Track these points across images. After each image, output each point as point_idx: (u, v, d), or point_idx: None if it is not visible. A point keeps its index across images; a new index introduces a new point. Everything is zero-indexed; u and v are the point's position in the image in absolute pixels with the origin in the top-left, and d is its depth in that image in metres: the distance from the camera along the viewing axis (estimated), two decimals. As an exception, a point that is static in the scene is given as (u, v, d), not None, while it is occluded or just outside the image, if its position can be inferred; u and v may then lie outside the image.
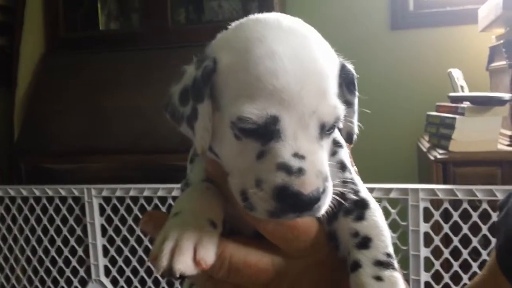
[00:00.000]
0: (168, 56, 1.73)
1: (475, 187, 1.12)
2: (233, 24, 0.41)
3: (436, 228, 1.18)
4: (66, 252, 1.48)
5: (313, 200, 0.35)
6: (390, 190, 1.17)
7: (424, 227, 1.16)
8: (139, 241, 1.40)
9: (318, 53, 0.38)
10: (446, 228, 1.17)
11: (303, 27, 0.40)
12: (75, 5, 2.03)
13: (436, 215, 1.16)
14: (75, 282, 1.50)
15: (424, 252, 1.16)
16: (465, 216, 1.15)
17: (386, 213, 1.17)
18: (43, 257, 1.51)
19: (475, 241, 1.14)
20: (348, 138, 0.43)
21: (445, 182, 1.29)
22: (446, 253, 1.17)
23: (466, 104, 1.37)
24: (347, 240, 0.41)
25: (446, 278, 1.17)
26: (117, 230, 1.42)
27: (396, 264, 0.40)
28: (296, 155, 0.35)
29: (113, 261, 1.44)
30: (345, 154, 0.44)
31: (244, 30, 0.39)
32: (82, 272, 1.48)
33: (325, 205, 0.37)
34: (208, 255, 0.37)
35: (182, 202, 0.41)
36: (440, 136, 1.42)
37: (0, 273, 1.58)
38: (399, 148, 1.87)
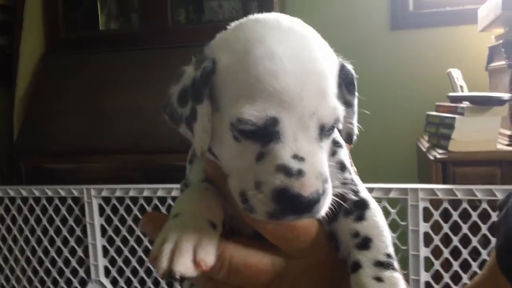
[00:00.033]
0: (168, 56, 1.72)
1: (475, 187, 1.12)
2: (232, 24, 0.41)
3: (436, 228, 1.18)
4: (65, 252, 1.48)
5: (313, 202, 0.35)
6: (389, 190, 1.17)
7: (423, 227, 1.16)
8: (138, 241, 1.40)
9: (318, 53, 0.38)
10: (445, 228, 1.17)
11: (303, 27, 0.39)
12: (75, 5, 2.03)
13: (436, 215, 1.16)
14: (75, 282, 1.50)
15: (424, 252, 1.16)
16: (465, 215, 1.15)
17: (386, 213, 1.17)
18: (43, 257, 1.51)
19: (475, 241, 1.14)
20: (348, 138, 0.43)
21: (444, 182, 1.29)
22: (446, 253, 1.17)
23: (465, 104, 1.37)
24: (348, 241, 0.41)
25: (446, 278, 1.18)
26: (117, 230, 1.42)
27: (396, 265, 0.40)
28: (296, 156, 0.35)
29: (112, 262, 1.44)
30: (344, 154, 0.43)
31: (243, 31, 0.39)
32: (81, 273, 1.48)
33: (324, 207, 0.37)
34: (208, 256, 0.37)
35: (182, 203, 0.41)
36: (439, 136, 1.42)
37: (0, 274, 1.58)
38: (399, 148, 1.87)
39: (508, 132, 1.40)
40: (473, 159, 1.30)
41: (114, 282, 1.46)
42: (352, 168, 0.44)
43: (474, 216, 1.13)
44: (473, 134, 1.31)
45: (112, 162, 1.64)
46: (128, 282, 1.45)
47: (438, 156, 1.32)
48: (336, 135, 0.43)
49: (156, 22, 1.84)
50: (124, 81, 1.75)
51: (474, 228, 1.14)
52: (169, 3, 1.84)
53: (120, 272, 1.45)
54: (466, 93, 1.58)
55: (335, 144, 0.43)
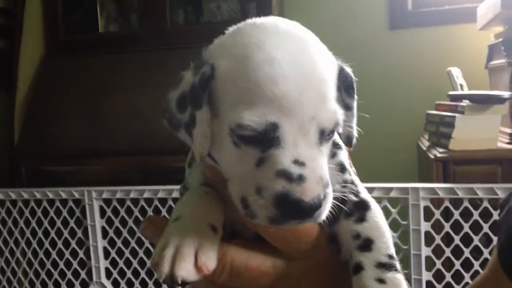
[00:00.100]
0: (167, 57, 1.73)
1: (476, 186, 1.12)
2: (230, 29, 0.41)
3: (437, 227, 1.18)
4: (67, 254, 1.48)
5: (314, 207, 0.35)
6: (390, 189, 1.17)
7: (425, 226, 1.15)
8: (140, 243, 1.40)
9: (317, 57, 0.38)
10: (447, 227, 1.17)
11: (301, 31, 0.39)
12: (74, 7, 2.03)
13: (437, 214, 1.16)
14: (77, 284, 1.50)
15: (426, 251, 1.16)
16: (466, 214, 1.15)
17: (387, 213, 1.17)
18: (45, 259, 1.51)
19: (476, 240, 1.14)
20: (348, 142, 0.43)
21: (445, 181, 1.29)
22: (448, 252, 1.17)
23: (465, 102, 1.37)
24: (349, 242, 0.41)
25: (448, 277, 1.17)
26: (118, 232, 1.42)
27: (398, 266, 0.40)
28: (296, 162, 0.35)
29: (114, 263, 1.44)
30: (344, 155, 0.43)
31: (241, 36, 0.39)
32: (83, 275, 1.48)
33: (325, 211, 0.37)
34: (210, 260, 0.37)
35: (182, 207, 0.41)
36: (440, 134, 1.42)
37: (1, 276, 1.58)
38: (399, 147, 1.87)
39: (508, 130, 1.40)
40: (474, 157, 1.30)
41: (115, 283, 1.46)
42: (351, 169, 0.44)
43: (476, 215, 1.13)
44: (474, 133, 1.31)
45: (112, 164, 1.64)
46: (130, 283, 1.45)
47: (438, 155, 1.32)
48: (335, 136, 0.43)
49: (155, 23, 1.85)
50: (123, 83, 1.75)
51: (476, 227, 1.14)
52: (168, 4, 1.84)
53: (122, 273, 1.45)
54: (466, 91, 1.57)
55: (335, 145, 0.43)
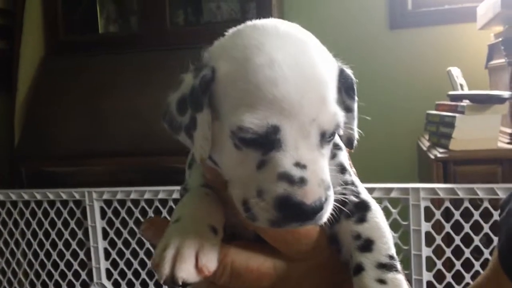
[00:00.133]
0: (167, 58, 1.73)
1: (476, 186, 1.12)
2: (230, 31, 0.41)
3: (438, 227, 1.17)
4: (67, 255, 1.48)
5: (316, 210, 0.35)
6: (390, 189, 1.17)
7: (425, 226, 1.15)
8: (140, 243, 1.40)
9: (317, 59, 0.38)
10: (447, 227, 1.17)
11: (301, 32, 0.39)
12: (74, 8, 2.03)
13: (437, 214, 1.16)
14: (77, 285, 1.50)
15: (426, 251, 1.16)
16: (467, 215, 1.15)
17: (387, 213, 1.16)
18: (45, 260, 1.51)
19: (477, 240, 1.14)
20: (349, 143, 0.43)
21: (445, 181, 1.29)
22: (448, 252, 1.17)
23: (465, 102, 1.36)
24: (349, 243, 0.41)
25: (449, 277, 1.17)
26: (119, 233, 1.42)
27: (399, 266, 0.40)
28: (298, 164, 0.35)
29: (114, 264, 1.44)
30: (344, 156, 0.43)
31: (241, 38, 0.39)
32: (84, 275, 1.48)
33: (327, 214, 0.37)
34: (210, 261, 0.37)
35: (182, 208, 0.41)
36: (440, 134, 1.42)
37: (2, 277, 1.58)
38: (399, 147, 1.86)
39: (508, 130, 1.40)
40: (474, 157, 1.30)
41: (116, 284, 1.46)
42: (352, 170, 0.44)
43: (476, 215, 1.13)
44: (474, 133, 1.31)
45: (113, 164, 1.64)
46: (130, 284, 1.45)
47: (438, 155, 1.32)
48: (336, 138, 0.43)
49: (154, 24, 1.85)
50: (123, 83, 1.75)
51: (476, 227, 1.14)
52: (168, 5, 1.84)
53: (122, 274, 1.45)
54: (466, 91, 1.57)
55: (335, 146, 0.43)
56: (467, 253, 1.15)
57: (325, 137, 0.37)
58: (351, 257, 0.41)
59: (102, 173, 1.65)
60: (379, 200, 1.13)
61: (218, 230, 0.39)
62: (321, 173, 0.36)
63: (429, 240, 1.17)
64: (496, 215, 1.10)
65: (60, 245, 1.48)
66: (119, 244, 1.41)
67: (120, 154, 1.63)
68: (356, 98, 0.42)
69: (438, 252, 1.18)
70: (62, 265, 1.49)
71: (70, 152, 1.69)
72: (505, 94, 1.31)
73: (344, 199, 0.40)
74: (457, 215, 1.15)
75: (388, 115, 1.83)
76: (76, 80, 1.82)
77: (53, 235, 1.48)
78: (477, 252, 1.15)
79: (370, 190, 1.17)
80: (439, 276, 1.18)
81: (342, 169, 0.42)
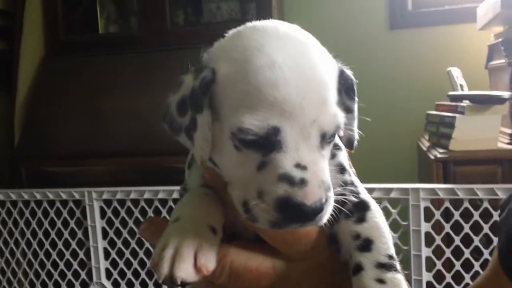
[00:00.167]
0: (167, 58, 1.73)
1: (476, 186, 1.12)
2: (230, 32, 0.41)
3: (437, 227, 1.17)
4: (67, 255, 1.48)
5: (316, 211, 0.35)
6: (390, 190, 1.17)
7: (425, 226, 1.15)
8: (140, 243, 1.40)
9: (317, 60, 0.38)
10: (447, 228, 1.17)
11: (301, 34, 0.39)
12: (74, 8, 2.03)
13: (437, 215, 1.16)
14: (77, 285, 1.50)
15: (426, 252, 1.16)
16: (466, 215, 1.15)
17: (387, 213, 1.17)
18: (45, 260, 1.51)
19: (476, 241, 1.14)
20: (349, 144, 0.43)
21: (445, 181, 1.29)
22: (448, 253, 1.17)
23: (465, 102, 1.36)
24: (349, 243, 0.41)
25: (448, 278, 1.17)
26: (118, 233, 1.42)
27: (398, 266, 0.40)
28: (298, 165, 0.35)
29: (114, 264, 1.44)
30: (343, 156, 0.43)
31: (241, 39, 0.39)
32: (83, 275, 1.48)
33: (327, 215, 0.37)
34: (209, 261, 0.37)
35: (182, 208, 0.41)
36: (440, 135, 1.42)
37: (2, 277, 1.59)
38: (399, 147, 1.87)
39: (508, 131, 1.40)
40: (474, 158, 1.30)
41: (115, 284, 1.46)
42: (351, 170, 0.44)
43: (476, 215, 1.13)
44: (474, 133, 1.31)
45: (112, 164, 1.64)
46: (130, 284, 1.45)
47: (438, 155, 1.32)
48: (335, 138, 0.43)
49: (154, 24, 1.85)
50: (123, 84, 1.75)
51: (476, 228, 1.14)
52: (168, 5, 1.84)
53: (122, 274, 1.45)
54: (466, 91, 1.57)
55: (334, 146, 0.43)
56: (467, 253, 1.15)
57: (325, 138, 0.37)
58: (350, 257, 0.41)
59: (102, 173, 1.65)
60: (379, 200, 1.13)
61: (217, 230, 0.39)
62: (322, 174, 0.36)
63: (429, 240, 1.17)
64: (496, 216, 1.10)
65: (60, 245, 1.48)
66: (119, 244, 1.41)
67: (120, 154, 1.63)
68: (356, 99, 0.42)
69: (438, 252, 1.18)
70: (61, 265, 1.49)
71: (70, 152, 1.69)
72: (505, 94, 1.31)
73: (343, 199, 0.40)
74: (457, 215, 1.15)
75: (388, 115, 1.83)
76: (76, 80, 1.82)
77: (52, 234, 1.48)
78: (476, 253, 1.15)
79: (370, 190, 1.18)
80: (439, 277, 1.18)
81: (342, 169, 0.42)
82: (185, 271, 0.35)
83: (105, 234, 1.43)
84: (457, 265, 1.16)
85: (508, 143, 1.37)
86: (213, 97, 0.38)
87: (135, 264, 1.42)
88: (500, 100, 1.31)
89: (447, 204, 1.16)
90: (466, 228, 1.15)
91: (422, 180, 1.59)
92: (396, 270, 0.39)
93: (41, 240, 1.50)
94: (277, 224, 0.35)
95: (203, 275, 0.36)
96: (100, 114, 1.72)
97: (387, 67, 1.91)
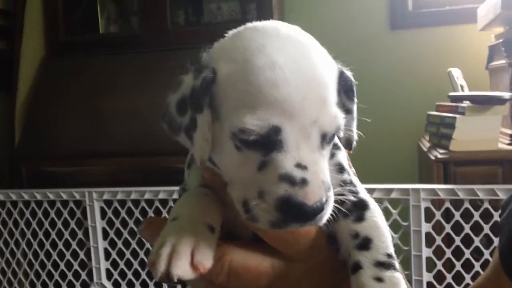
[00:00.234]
0: (167, 58, 1.73)
1: (477, 187, 1.12)
2: (230, 32, 0.41)
3: (438, 228, 1.17)
4: (68, 255, 1.48)
5: (317, 211, 0.35)
6: (391, 190, 1.17)
7: (425, 227, 1.15)
8: (140, 244, 1.40)
9: (317, 61, 0.38)
10: (447, 228, 1.17)
11: (301, 35, 0.39)
12: (74, 8, 2.04)
13: (438, 215, 1.16)
14: (77, 285, 1.50)
15: (426, 252, 1.16)
16: (467, 215, 1.15)
17: (387, 214, 1.17)
18: (45, 260, 1.51)
19: (477, 241, 1.14)
20: (348, 145, 0.43)
21: (446, 182, 1.29)
22: (448, 253, 1.17)
23: (466, 103, 1.36)
24: (347, 242, 0.41)
25: (449, 278, 1.17)
26: (119, 233, 1.42)
27: (397, 265, 0.40)
28: (299, 165, 0.35)
29: (114, 264, 1.44)
30: (342, 156, 0.43)
31: (242, 39, 0.39)
32: (84, 276, 1.48)
33: (327, 214, 0.37)
34: (206, 259, 0.37)
35: (180, 207, 0.41)
36: (440, 135, 1.42)
37: (2, 277, 1.59)
38: (400, 148, 1.86)
39: (509, 131, 1.40)
40: (474, 158, 1.30)
41: (116, 284, 1.46)
42: (350, 170, 0.44)
43: (476, 216, 1.13)
44: (474, 134, 1.31)
45: (113, 165, 1.64)
46: (130, 284, 1.45)
47: (439, 156, 1.32)
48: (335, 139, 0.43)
49: (155, 24, 1.85)
50: (123, 84, 1.75)
51: (476, 228, 1.14)
52: (168, 5, 1.84)
53: (122, 274, 1.45)
54: (466, 92, 1.57)
55: (333, 146, 0.43)
56: (467, 253, 1.15)
57: (325, 138, 0.37)
58: (349, 255, 0.41)
59: (102, 173, 1.65)
60: (379, 201, 1.13)
61: (215, 229, 0.39)
62: (322, 174, 0.36)
63: (429, 240, 1.17)
64: (496, 216, 1.10)
65: (60, 245, 1.48)
66: (119, 244, 1.41)
67: (120, 154, 1.63)
68: (355, 100, 0.42)
69: (438, 252, 1.18)
70: (62, 265, 1.49)
71: (70, 152, 1.69)
72: (506, 95, 1.31)
73: (342, 198, 0.40)
74: (457, 215, 1.15)
75: (388, 116, 1.83)
76: (77, 81, 1.82)
77: (53, 235, 1.48)
78: (477, 253, 1.15)
79: (371, 191, 1.17)
80: (439, 277, 1.18)
81: (341, 169, 0.42)
82: (182, 269, 0.35)
83: (105, 234, 1.43)
84: (458, 266, 1.16)
85: (509, 144, 1.37)
86: (213, 97, 0.38)
87: (136, 265, 1.42)
88: (500, 101, 1.31)
89: (447, 204, 1.16)
90: (467, 229, 1.15)
91: (423, 181, 1.59)
92: (394, 268, 0.39)
93: (42, 240, 1.50)
94: (278, 224, 0.35)
95: (200, 273, 0.36)
96: (100, 114, 1.72)
97: (387, 67, 1.91)
